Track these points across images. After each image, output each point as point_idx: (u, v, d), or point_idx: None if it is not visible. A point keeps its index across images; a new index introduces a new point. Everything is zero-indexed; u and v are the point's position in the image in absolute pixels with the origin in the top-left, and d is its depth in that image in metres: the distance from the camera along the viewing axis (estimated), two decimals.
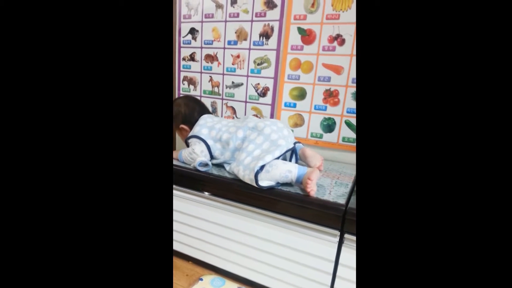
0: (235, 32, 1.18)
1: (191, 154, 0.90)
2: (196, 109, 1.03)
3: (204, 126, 0.94)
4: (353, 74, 1.01)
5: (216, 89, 1.28)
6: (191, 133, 0.94)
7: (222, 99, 1.28)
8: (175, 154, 0.97)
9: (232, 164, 0.84)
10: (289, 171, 0.74)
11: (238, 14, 1.15)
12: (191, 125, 0.98)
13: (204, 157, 0.89)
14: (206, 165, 0.86)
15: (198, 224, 0.89)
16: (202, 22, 1.24)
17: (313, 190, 0.71)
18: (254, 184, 0.74)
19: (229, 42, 1.20)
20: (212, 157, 0.91)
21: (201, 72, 1.30)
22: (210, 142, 0.90)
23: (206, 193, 0.85)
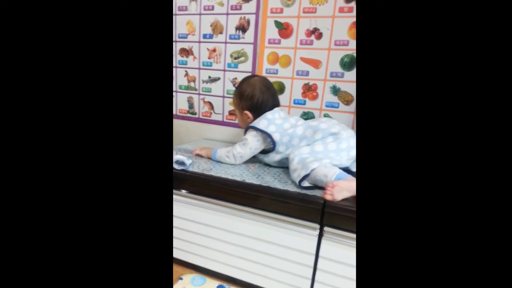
0: (210, 26, 1.15)
1: (228, 152, 0.89)
2: (269, 102, 0.91)
3: (272, 121, 0.87)
4: (331, 68, 1.02)
5: (192, 84, 1.25)
6: (255, 124, 0.88)
7: (199, 94, 1.25)
8: (206, 152, 0.95)
9: (294, 151, 0.81)
10: (325, 175, 0.71)
11: (213, 7, 1.12)
12: (257, 115, 0.90)
13: (251, 154, 0.89)
14: (182, 163, 0.83)
15: (176, 223, 0.86)
16: (175, 15, 1.19)
17: (329, 196, 0.67)
18: (296, 182, 0.73)
19: (205, 36, 1.17)
20: (273, 149, 0.87)
21: (176, 67, 1.26)
22: (276, 136, 0.85)
23: (183, 191, 0.83)
